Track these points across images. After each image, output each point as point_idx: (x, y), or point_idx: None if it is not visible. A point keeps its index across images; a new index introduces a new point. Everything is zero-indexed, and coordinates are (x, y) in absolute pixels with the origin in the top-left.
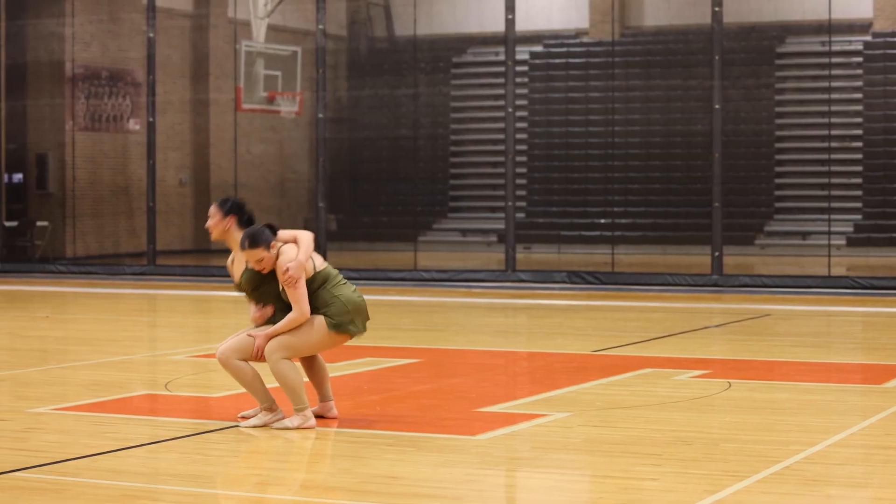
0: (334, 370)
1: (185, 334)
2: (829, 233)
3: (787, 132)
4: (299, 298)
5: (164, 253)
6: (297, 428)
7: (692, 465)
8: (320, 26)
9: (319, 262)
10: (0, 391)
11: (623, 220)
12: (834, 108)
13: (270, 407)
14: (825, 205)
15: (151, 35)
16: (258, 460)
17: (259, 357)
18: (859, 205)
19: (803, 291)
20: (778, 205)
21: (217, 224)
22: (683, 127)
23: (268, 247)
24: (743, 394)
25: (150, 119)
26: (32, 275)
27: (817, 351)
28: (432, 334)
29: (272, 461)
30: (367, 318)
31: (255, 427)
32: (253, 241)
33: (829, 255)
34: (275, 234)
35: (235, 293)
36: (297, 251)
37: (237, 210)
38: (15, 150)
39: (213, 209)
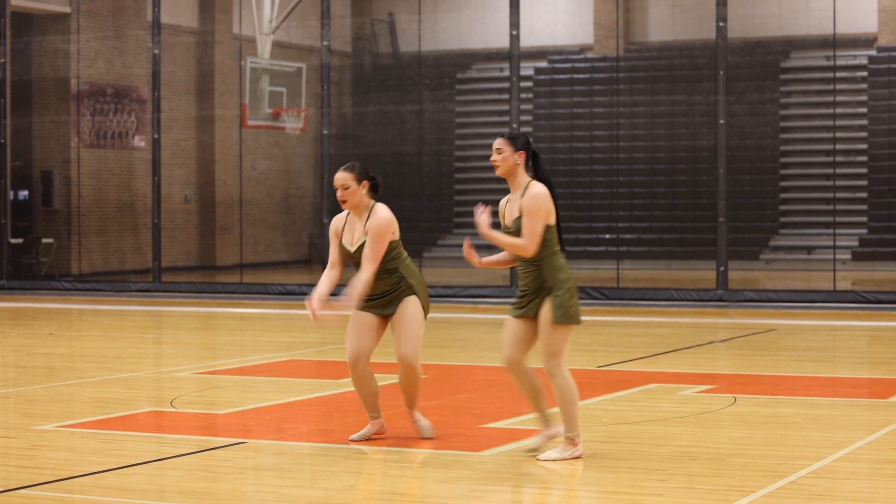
0: (338, 387)
1: (190, 351)
2: (835, 247)
3: (791, 147)
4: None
5: (170, 270)
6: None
7: (698, 480)
8: (325, 42)
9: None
10: (6, 409)
11: (628, 236)
12: (839, 122)
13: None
14: (830, 219)
15: (156, 52)
16: (263, 477)
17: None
18: (864, 219)
19: (808, 306)
20: (783, 219)
21: (507, 158)
22: (688, 142)
23: (358, 180)
24: (749, 409)
25: (155, 135)
26: (38, 292)
27: (823, 365)
28: (437, 350)
29: (277, 478)
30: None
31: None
32: (348, 166)
33: (835, 270)
34: (374, 190)
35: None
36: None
37: (526, 147)
38: (20, 167)
39: (502, 143)
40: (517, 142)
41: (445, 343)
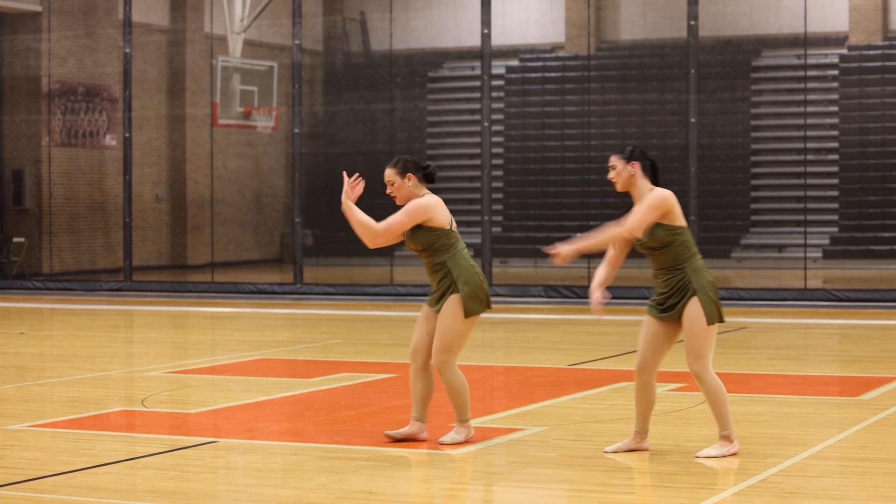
0: (309, 386)
1: (161, 350)
2: (806, 245)
3: (762, 145)
4: None
5: (141, 269)
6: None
7: (668, 478)
8: (296, 41)
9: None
10: None
11: None
12: (810, 121)
13: None
14: (801, 217)
15: (128, 51)
16: (234, 476)
17: None
18: (835, 217)
19: (779, 304)
20: (754, 218)
21: (620, 172)
22: (659, 140)
23: (402, 174)
24: None
25: (127, 135)
26: (8, 291)
27: (794, 364)
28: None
29: (249, 477)
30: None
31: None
32: (393, 161)
33: (806, 268)
34: (428, 178)
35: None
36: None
37: (640, 157)
38: None
39: (614, 159)
40: (627, 153)
41: None
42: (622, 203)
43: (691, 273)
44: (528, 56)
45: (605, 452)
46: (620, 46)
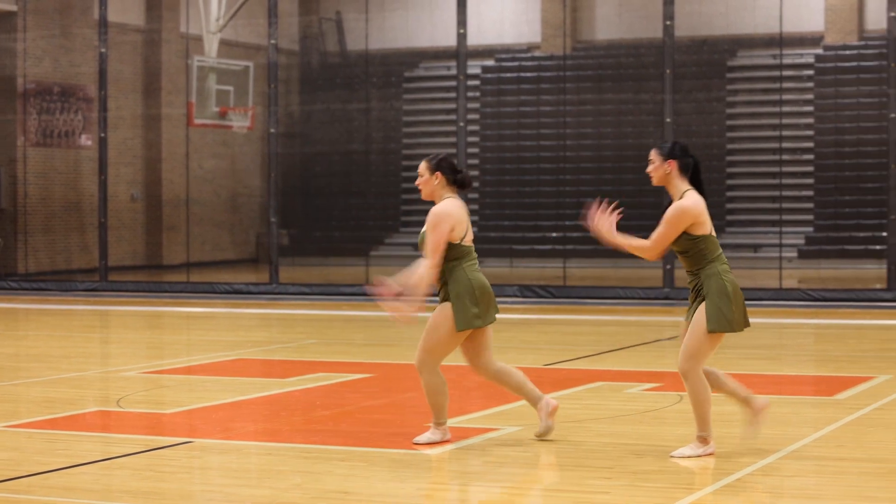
0: (285, 386)
1: (136, 350)
2: (781, 245)
3: (738, 145)
4: None
5: (116, 269)
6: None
7: (644, 478)
8: (272, 41)
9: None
10: None
11: (575, 234)
12: (785, 121)
13: None
14: (776, 217)
15: (103, 50)
16: (210, 477)
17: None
18: (811, 217)
19: (755, 304)
20: (729, 217)
21: (657, 168)
22: (635, 140)
23: (431, 171)
24: None
25: (102, 134)
26: None
27: (769, 363)
28: (384, 349)
29: (224, 477)
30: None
31: None
32: (429, 157)
33: (781, 268)
34: (459, 184)
35: None
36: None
37: (679, 155)
38: None
39: (653, 154)
40: (665, 151)
41: (392, 341)
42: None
43: (704, 279)
44: (503, 56)
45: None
46: (596, 46)
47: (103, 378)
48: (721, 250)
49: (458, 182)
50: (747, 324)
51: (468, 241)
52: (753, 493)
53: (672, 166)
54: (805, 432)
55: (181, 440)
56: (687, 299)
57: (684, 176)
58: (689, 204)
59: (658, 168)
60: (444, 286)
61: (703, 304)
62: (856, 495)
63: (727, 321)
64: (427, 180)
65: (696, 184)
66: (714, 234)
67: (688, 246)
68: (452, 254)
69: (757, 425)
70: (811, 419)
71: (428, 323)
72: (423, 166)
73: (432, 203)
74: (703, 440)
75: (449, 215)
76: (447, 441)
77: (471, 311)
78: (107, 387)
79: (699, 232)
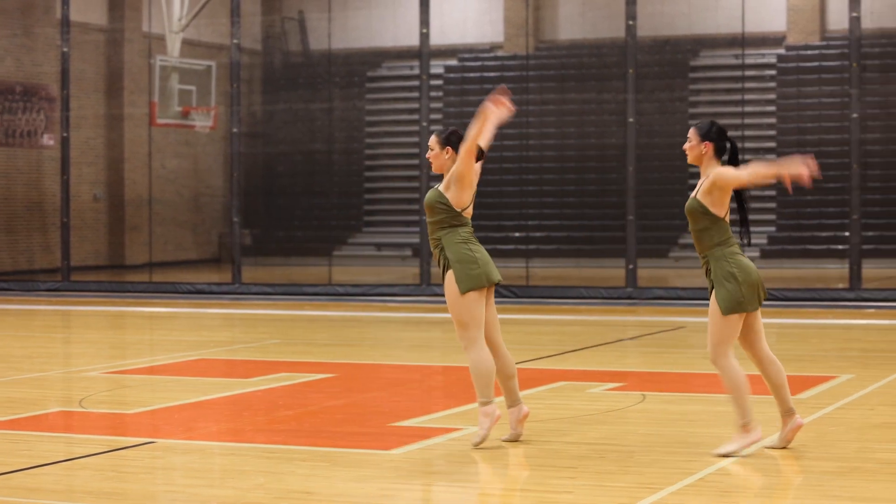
0: (247, 386)
1: (99, 350)
2: (743, 245)
3: None
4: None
5: (79, 269)
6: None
7: (607, 477)
8: (235, 41)
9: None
10: None
11: (537, 234)
12: (747, 120)
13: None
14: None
15: (66, 50)
16: (173, 477)
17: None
18: (773, 217)
19: None
20: None
21: (693, 147)
22: (597, 140)
23: (442, 146)
24: (657, 406)
25: (65, 134)
26: None
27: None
28: (347, 349)
29: (187, 478)
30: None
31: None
32: (439, 131)
33: None
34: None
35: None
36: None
37: (716, 137)
38: None
39: (692, 132)
40: (703, 131)
41: (355, 341)
42: (560, 203)
43: (712, 263)
44: (466, 56)
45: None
46: (559, 46)
47: (66, 378)
48: (731, 235)
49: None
50: (760, 302)
51: (468, 213)
52: (716, 492)
53: (708, 148)
54: (767, 431)
55: (144, 440)
56: (649, 298)
57: (718, 158)
58: (729, 169)
59: (695, 147)
60: (440, 253)
61: (714, 291)
62: (817, 494)
63: (737, 302)
64: (437, 154)
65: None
66: (728, 219)
67: (706, 224)
68: (452, 221)
69: (784, 441)
70: (773, 418)
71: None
72: (433, 140)
73: (399, 200)
74: (745, 428)
75: (464, 177)
76: (493, 422)
77: (471, 273)
78: (69, 387)
79: (721, 213)
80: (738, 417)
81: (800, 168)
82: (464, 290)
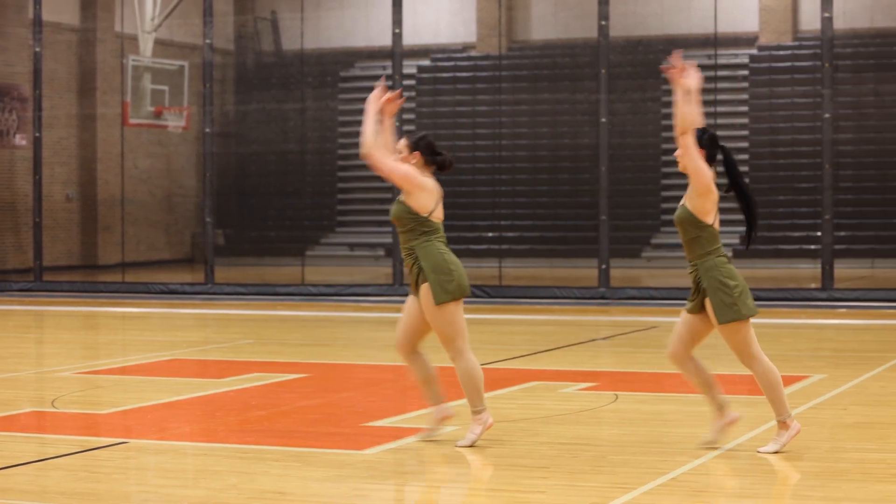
0: (220, 386)
1: (71, 351)
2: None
3: (673, 145)
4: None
5: (51, 269)
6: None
7: (580, 477)
8: (207, 41)
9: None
10: None
11: (510, 234)
12: (720, 121)
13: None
14: None
15: (38, 49)
16: (145, 477)
17: None
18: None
19: None
20: (665, 217)
21: (684, 156)
22: (570, 140)
23: (410, 149)
24: (630, 406)
25: (37, 134)
26: None
27: (704, 362)
28: (320, 349)
29: (160, 478)
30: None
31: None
32: (409, 135)
33: None
34: (438, 165)
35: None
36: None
37: (707, 145)
38: None
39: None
40: (695, 138)
41: (328, 341)
42: (533, 203)
43: (703, 272)
44: (439, 56)
45: (702, 446)
46: (531, 46)
47: (38, 378)
48: (720, 244)
49: (437, 164)
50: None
51: (437, 216)
52: (688, 492)
53: (700, 156)
54: (740, 431)
55: (117, 441)
56: (622, 298)
57: (710, 167)
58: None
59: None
60: (414, 263)
61: (708, 301)
62: (790, 494)
63: (738, 311)
64: (405, 158)
65: (734, 175)
66: (717, 226)
67: (695, 233)
68: (422, 228)
69: (720, 433)
70: (746, 418)
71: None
72: (403, 143)
73: (372, 200)
74: (783, 425)
75: (414, 180)
76: (487, 426)
77: (446, 286)
78: (42, 387)
79: (709, 220)
80: (776, 414)
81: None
82: (438, 302)
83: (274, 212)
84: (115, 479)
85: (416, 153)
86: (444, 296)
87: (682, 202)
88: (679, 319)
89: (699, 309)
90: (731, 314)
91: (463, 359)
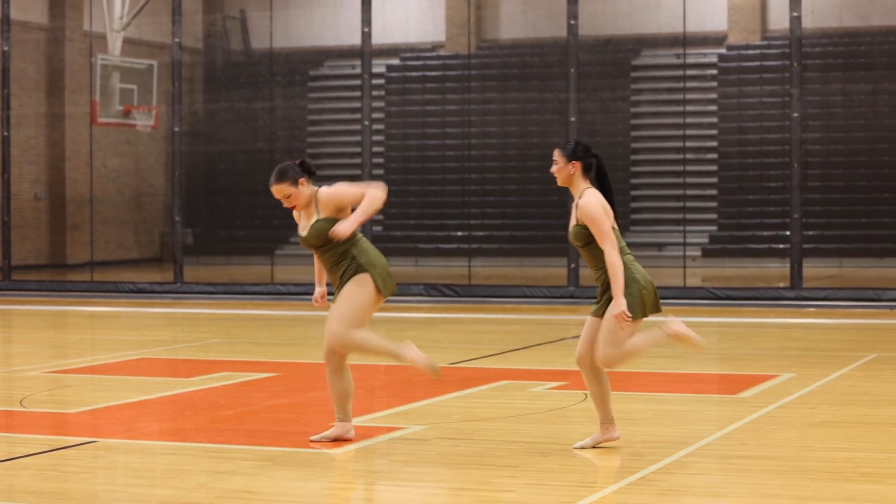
0: (189, 385)
1: (40, 350)
2: (685, 244)
3: (642, 144)
4: None
5: (20, 268)
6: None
7: (549, 476)
8: (176, 39)
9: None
10: None
11: (480, 233)
12: (689, 120)
13: None
14: (680, 216)
15: (6, 48)
16: (114, 476)
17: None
18: (714, 216)
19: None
20: (634, 216)
21: (561, 169)
22: (540, 140)
23: (295, 183)
24: None
25: (5, 133)
26: None
27: (673, 361)
28: (289, 348)
29: (128, 477)
30: None
31: None
32: (278, 176)
33: (685, 266)
34: (308, 172)
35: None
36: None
37: (582, 155)
38: None
39: (557, 154)
40: (569, 151)
41: (297, 341)
42: (502, 202)
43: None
44: (408, 55)
45: (574, 448)
46: (501, 45)
47: (6, 378)
48: (624, 242)
49: (304, 167)
50: (659, 308)
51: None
52: (657, 491)
53: (576, 167)
54: (709, 430)
55: (85, 440)
56: (591, 297)
57: (587, 176)
58: (595, 198)
59: (563, 169)
60: (350, 262)
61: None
62: (759, 493)
63: (642, 309)
64: (297, 193)
65: (603, 180)
66: (616, 227)
67: (590, 239)
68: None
69: (594, 444)
70: (714, 417)
71: (343, 296)
72: (283, 187)
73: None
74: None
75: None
76: (351, 439)
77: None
78: (10, 386)
79: (606, 228)
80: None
81: None
82: (385, 293)
83: (243, 211)
84: (84, 478)
85: (302, 180)
86: (385, 288)
87: (572, 222)
88: (585, 325)
89: (603, 313)
90: (640, 312)
91: (334, 344)
